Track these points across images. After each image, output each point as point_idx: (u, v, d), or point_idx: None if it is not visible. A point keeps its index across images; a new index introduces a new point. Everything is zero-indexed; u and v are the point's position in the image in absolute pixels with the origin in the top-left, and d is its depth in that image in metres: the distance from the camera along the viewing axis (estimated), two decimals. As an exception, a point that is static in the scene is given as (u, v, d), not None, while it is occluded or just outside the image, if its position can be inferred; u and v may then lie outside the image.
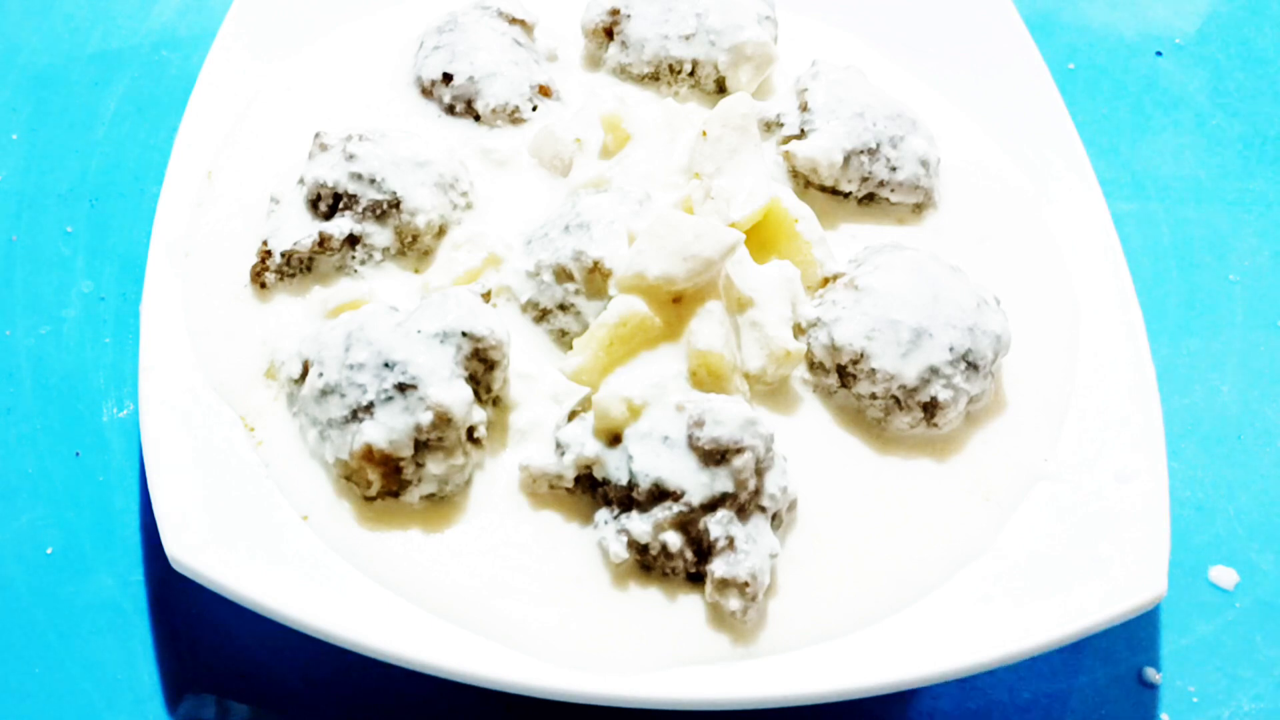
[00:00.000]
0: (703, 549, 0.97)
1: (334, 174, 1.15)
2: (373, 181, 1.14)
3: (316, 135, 1.18)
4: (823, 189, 1.23)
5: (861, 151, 1.21)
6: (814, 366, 1.11)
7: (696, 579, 0.98)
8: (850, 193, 1.23)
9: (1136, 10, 1.58)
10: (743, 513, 0.97)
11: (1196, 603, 1.08)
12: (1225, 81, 1.50)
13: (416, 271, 1.16)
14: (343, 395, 0.99)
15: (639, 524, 0.97)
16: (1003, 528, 1.04)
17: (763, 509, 0.98)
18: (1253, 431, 1.19)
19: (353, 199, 1.14)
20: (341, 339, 1.02)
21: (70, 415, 1.14)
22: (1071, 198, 1.23)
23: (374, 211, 1.14)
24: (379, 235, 1.15)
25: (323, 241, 1.13)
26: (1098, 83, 1.49)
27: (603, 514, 1.00)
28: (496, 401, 1.06)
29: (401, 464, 0.98)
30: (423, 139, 1.19)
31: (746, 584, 0.95)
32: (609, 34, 1.34)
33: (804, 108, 1.24)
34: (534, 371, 1.08)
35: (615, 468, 0.98)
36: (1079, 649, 1.01)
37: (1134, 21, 1.56)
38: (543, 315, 1.12)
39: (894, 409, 1.07)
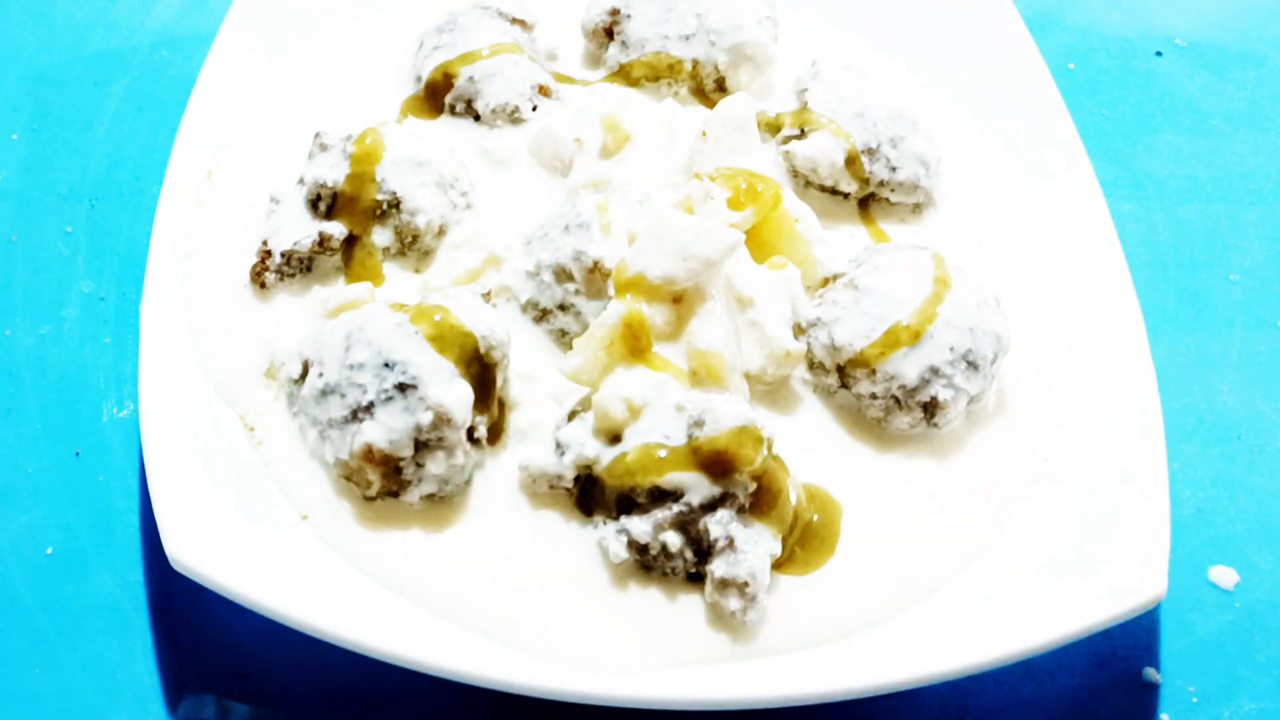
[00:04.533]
0: (703, 549, 0.97)
1: (334, 174, 1.15)
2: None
3: (316, 135, 1.18)
4: (823, 189, 1.23)
5: (862, 151, 1.21)
6: (814, 366, 1.11)
7: (696, 579, 0.98)
8: (850, 193, 1.23)
9: (1136, 10, 1.58)
10: (743, 513, 0.97)
11: (1196, 603, 1.08)
12: (1225, 81, 1.50)
13: (416, 271, 1.16)
14: (343, 395, 0.99)
15: (639, 524, 0.97)
16: (1003, 528, 1.03)
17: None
18: (1253, 431, 1.19)
19: (353, 199, 1.14)
20: (341, 339, 1.02)
21: (70, 415, 1.14)
22: (1071, 198, 1.23)
23: (374, 211, 1.14)
24: (379, 235, 1.15)
25: (323, 241, 1.13)
26: (1098, 83, 1.49)
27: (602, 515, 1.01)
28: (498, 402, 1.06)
29: (401, 464, 0.98)
30: (423, 139, 1.19)
31: (746, 584, 0.95)
32: (609, 34, 1.34)
33: (804, 108, 1.24)
34: (534, 371, 1.08)
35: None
36: (1079, 649, 1.01)
37: (1134, 21, 1.56)
38: (543, 315, 1.12)
39: (894, 409, 1.07)
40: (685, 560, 0.97)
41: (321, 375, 1.01)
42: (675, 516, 0.96)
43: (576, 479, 1.01)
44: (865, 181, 1.22)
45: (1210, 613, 1.07)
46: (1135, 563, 0.97)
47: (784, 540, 0.99)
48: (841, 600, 0.98)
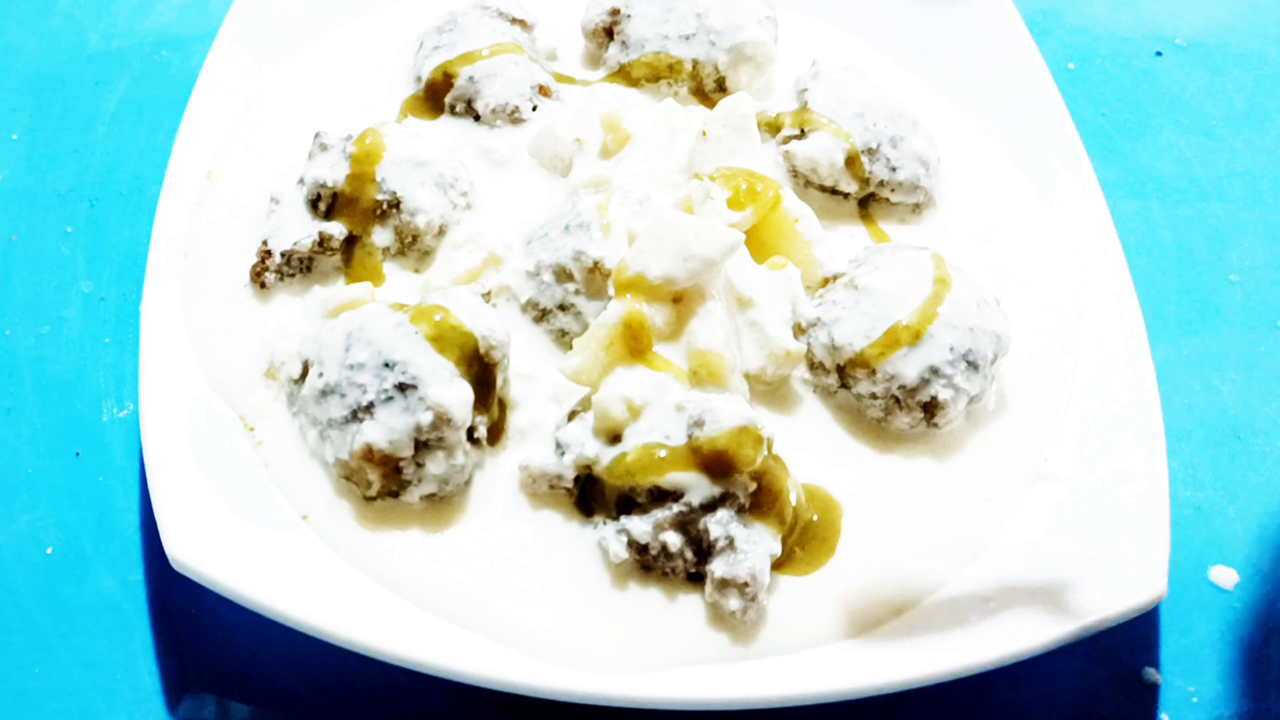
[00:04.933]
0: (703, 549, 0.97)
1: (334, 174, 1.15)
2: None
3: (316, 135, 1.18)
4: (823, 189, 1.23)
5: (862, 151, 1.21)
6: (814, 366, 1.11)
7: (696, 579, 0.98)
8: (850, 193, 1.23)
9: (1136, 10, 1.58)
10: (743, 513, 0.97)
11: (1196, 603, 1.08)
12: (1225, 81, 1.50)
13: (416, 271, 1.16)
14: (343, 395, 0.99)
15: (639, 524, 0.97)
16: (1003, 528, 1.04)
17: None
18: (1253, 431, 1.19)
19: (353, 199, 1.14)
20: (341, 339, 1.02)
21: (70, 415, 1.14)
22: (1071, 198, 1.23)
23: (374, 211, 1.14)
24: (379, 235, 1.15)
25: (323, 241, 1.13)
26: (1098, 83, 1.49)
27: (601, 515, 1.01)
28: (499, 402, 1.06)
29: (401, 464, 0.98)
30: (423, 139, 1.19)
31: (746, 584, 0.95)
32: (609, 34, 1.34)
33: (804, 108, 1.24)
34: (534, 371, 1.08)
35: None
36: (1079, 649, 1.01)
37: (1134, 21, 1.56)
38: (543, 315, 1.12)
39: (894, 409, 1.07)
40: (685, 560, 0.97)
41: (321, 375, 1.01)
42: (675, 516, 0.96)
43: (576, 479, 1.01)
44: (865, 181, 1.22)
45: (1210, 613, 1.07)
46: (1135, 563, 0.97)
47: (784, 540, 0.99)
48: (841, 600, 0.98)
